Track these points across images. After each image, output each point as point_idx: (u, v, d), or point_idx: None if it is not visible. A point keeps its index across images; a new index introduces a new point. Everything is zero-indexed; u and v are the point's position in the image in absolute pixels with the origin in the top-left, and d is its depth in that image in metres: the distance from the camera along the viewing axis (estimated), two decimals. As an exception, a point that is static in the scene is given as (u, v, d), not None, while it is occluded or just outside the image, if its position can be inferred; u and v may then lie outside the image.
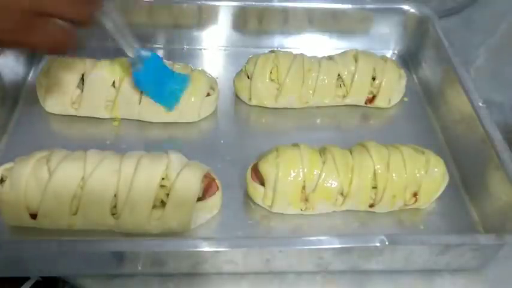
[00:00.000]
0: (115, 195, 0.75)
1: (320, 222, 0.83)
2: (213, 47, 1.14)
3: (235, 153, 0.92)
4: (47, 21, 0.63)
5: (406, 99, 1.06)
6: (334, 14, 1.11)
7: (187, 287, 0.75)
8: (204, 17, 1.09)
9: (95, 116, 0.94)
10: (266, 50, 1.02)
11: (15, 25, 0.60)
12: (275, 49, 1.03)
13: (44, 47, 0.66)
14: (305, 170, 0.79)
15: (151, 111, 0.94)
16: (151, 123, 0.95)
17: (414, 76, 1.13)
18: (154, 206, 0.76)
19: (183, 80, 0.93)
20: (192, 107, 0.94)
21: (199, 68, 1.00)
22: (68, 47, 0.66)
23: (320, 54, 1.03)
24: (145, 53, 0.87)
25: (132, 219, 0.75)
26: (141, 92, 0.92)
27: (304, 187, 0.80)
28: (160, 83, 0.90)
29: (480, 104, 0.90)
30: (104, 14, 0.75)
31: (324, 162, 0.81)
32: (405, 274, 0.78)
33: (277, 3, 1.09)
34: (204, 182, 0.79)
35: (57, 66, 0.92)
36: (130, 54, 0.85)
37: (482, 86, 0.97)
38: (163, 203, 0.77)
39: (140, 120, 0.95)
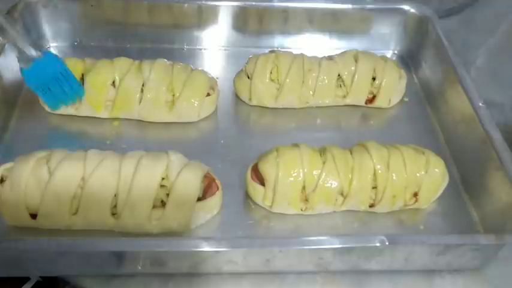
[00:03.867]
0: (115, 195, 0.75)
1: (320, 222, 0.83)
2: (213, 47, 1.14)
3: (235, 153, 0.92)
4: None
5: (406, 99, 1.06)
6: (334, 14, 1.11)
7: (187, 287, 0.75)
8: (204, 17, 1.09)
9: (95, 116, 0.94)
10: (266, 50, 1.02)
11: None
12: (275, 49, 1.03)
13: None
14: (305, 170, 0.79)
15: (151, 111, 0.94)
16: (151, 123, 0.95)
17: (414, 76, 1.13)
18: (154, 206, 0.76)
19: (74, 89, 0.90)
20: (192, 107, 0.94)
21: (199, 68, 1.00)
22: None
23: (320, 54, 1.03)
24: (37, 53, 0.86)
25: (132, 219, 0.76)
26: (142, 91, 0.92)
27: (304, 187, 0.80)
28: (48, 84, 0.88)
29: (480, 104, 0.90)
30: None
31: (324, 162, 0.81)
32: (405, 274, 0.78)
33: (277, 3, 1.09)
34: (204, 182, 0.80)
35: (57, 66, 0.92)
36: (20, 53, 0.85)
37: (482, 86, 0.97)
38: (163, 203, 0.77)
39: (140, 120, 0.95)
